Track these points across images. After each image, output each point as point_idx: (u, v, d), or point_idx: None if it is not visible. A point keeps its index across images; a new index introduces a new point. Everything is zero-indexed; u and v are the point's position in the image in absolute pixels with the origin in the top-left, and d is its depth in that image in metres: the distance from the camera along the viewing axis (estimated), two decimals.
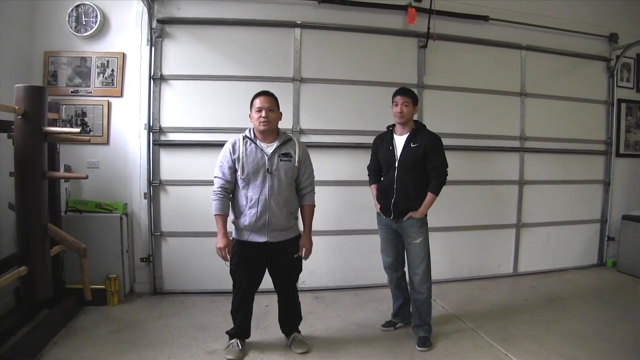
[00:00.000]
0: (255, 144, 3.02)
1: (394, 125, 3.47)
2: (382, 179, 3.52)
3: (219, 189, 3.01)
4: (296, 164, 3.06)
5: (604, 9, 5.44)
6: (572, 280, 5.08)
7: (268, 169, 2.97)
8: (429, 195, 3.30)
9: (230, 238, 3.09)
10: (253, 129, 3.08)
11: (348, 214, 4.60)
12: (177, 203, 4.33)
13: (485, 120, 4.99)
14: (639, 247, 5.27)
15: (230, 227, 3.12)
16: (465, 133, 4.88)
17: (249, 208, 2.97)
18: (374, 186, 3.59)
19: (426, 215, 3.37)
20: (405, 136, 3.35)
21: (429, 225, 3.43)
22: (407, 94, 3.34)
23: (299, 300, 3.37)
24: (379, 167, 3.53)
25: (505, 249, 5.19)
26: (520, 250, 5.22)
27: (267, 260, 3.11)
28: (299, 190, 3.15)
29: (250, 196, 2.97)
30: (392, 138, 3.42)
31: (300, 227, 3.23)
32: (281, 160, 3.01)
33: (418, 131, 3.35)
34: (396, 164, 3.34)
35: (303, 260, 3.20)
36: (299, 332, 3.37)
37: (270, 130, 3.03)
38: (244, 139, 3.04)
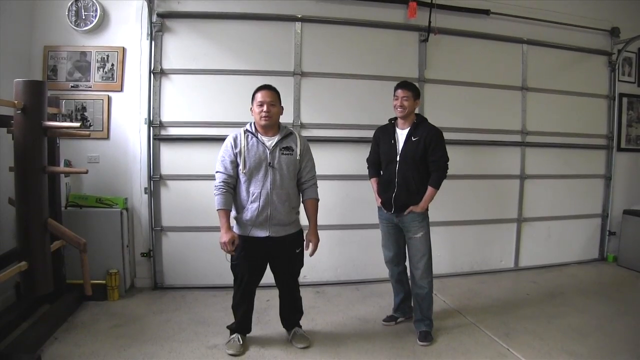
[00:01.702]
0: (257, 137, 3.00)
1: (396, 118, 3.45)
2: (382, 172, 3.51)
3: (221, 184, 2.98)
4: (297, 158, 3.05)
5: (605, 3, 5.42)
6: (573, 274, 5.08)
7: (270, 163, 2.95)
8: (429, 189, 3.29)
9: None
10: (254, 122, 3.06)
11: (349, 209, 4.60)
12: (177, 198, 4.33)
13: (487, 114, 4.97)
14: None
15: (232, 222, 3.08)
16: (466, 127, 4.87)
17: (251, 202, 2.95)
18: (374, 180, 3.58)
19: (427, 210, 3.37)
20: (406, 130, 3.34)
21: (430, 220, 3.42)
22: (408, 88, 3.32)
23: (300, 294, 3.36)
24: (379, 160, 3.51)
25: (507, 244, 5.19)
26: (521, 244, 5.22)
27: (268, 255, 3.09)
28: (300, 184, 3.13)
29: (252, 190, 2.95)
30: (394, 132, 3.40)
31: (302, 221, 3.21)
32: (283, 154, 3.00)
33: (419, 124, 3.33)
34: (397, 158, 3.33)
35: (308, 256, 3.17)
36: (300, 326, 3.37)
37: (272, 124, 3.01)
38: (245, 132, 3.02)
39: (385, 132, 3.47)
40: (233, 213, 3.07)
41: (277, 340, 3.32)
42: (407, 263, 3.53)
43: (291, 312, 3.35)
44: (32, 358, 2.80)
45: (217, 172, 3.02)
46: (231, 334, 3.23)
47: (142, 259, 4.35)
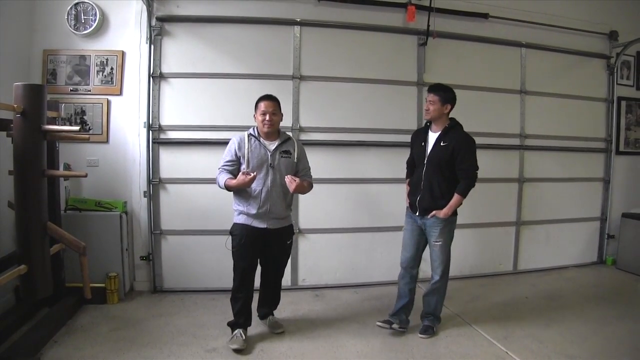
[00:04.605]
0: (259, 141, 3.27)
1: (432, 121, 3.46)
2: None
3: (223, 170, 3.24)
4: (295, 161, 3.33)
5: (603, 7, 5.43)
6: (572, 278, 5.08)
7: (271, 164, 3.22)
8: (455, 196, 3.29)
9: (233, 222, 3.30)
10: (256, 127, 3.31)
11: (348, 212, 4.59)
12: (176, 201, 4.32)
13: (486, 118, 4.96)
14: (638, 244, 5.28)
15: (233, 213, 3.31)
16: (465, 130, 4.85)
17: (253, 198, 3.21)
18: (408, 180, 3.61)
19: (455, 216, 3.39)
20: (437, 134, 3.36)
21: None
22: (435, 92, 3.35)
23: (281, 285, 3.60)
24: (414, 162, 3.55)
25: (505, 247, 5.19)
26: (520, 248, 5.22)
27: (264, 244, 3.30)
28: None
29: (254, 187, 3.19)
30: (426, 134, 3.43)
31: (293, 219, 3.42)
32: (282, 156, 3.28)
33: (450, 130, 3.34)
34: (425, 161, 3.35)
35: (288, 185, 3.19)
36: (273, 314, 3.60)
37: (273, 131, 3.29)
38: (248, 136, 3.27)
39: (419, 135, 3.53)
40: (235, 206, 3.30)
41: (280, 338, 3.38)
42: (420, 269, 3.57)
43: (272, 300, 3.59)
44: None
45: (220, 168, 3.27)
46: (232, 330, 3.31)
47: (142, 262, 4.35)
